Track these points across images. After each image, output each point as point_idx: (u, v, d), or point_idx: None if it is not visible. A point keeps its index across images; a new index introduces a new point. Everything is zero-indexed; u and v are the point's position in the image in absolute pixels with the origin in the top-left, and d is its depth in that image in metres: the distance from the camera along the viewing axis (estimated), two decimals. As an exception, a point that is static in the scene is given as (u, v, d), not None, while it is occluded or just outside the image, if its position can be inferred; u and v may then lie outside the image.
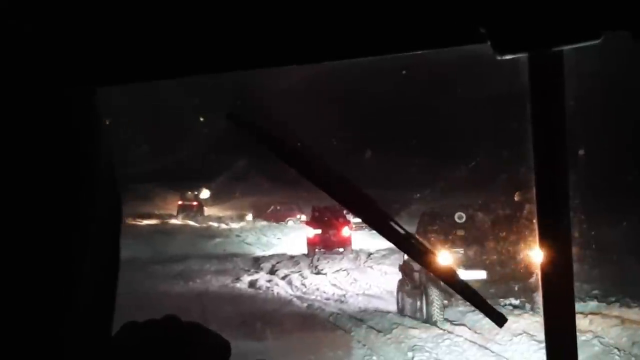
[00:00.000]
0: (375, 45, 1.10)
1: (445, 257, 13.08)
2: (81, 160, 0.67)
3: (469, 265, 14.30)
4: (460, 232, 15.25)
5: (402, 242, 1.32)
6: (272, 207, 45.21)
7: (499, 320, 1.39)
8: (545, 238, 1.24)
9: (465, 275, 13.06)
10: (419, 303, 14.56)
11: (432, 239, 14.76)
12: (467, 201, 17.82)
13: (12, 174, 0.61)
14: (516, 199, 15.30)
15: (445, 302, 13.67)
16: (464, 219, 15.43)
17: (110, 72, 0.98)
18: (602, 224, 16.64)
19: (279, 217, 42.49)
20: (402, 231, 1.32)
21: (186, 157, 63.38)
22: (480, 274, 14.14)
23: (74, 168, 0.66)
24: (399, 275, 20.91)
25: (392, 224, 1.34)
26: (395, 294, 16.54)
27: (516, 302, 14.13)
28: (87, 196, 0.67)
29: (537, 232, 1.25)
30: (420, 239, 1.44)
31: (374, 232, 1.39)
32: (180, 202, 49.06)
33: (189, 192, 50.68)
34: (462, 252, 14.77)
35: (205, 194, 52.80)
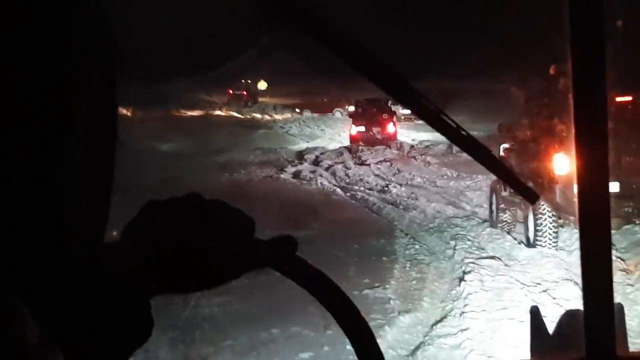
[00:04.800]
0: None
1: (566, 163, 10.63)
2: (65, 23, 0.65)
3: None
4: None
5: (452, 133, 1.27)
6: (318, 99, 44.97)
7: (531, 197, 1.39)
8: (581, 125, 1.22)
9: None
10: (521, 218, 11.73)
11: (548, 138, 11.65)
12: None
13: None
14: (551, 72, 11.92)
15: (560, 221, 10.73)
16: None
17: None
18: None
19: (325, 109, 42.32)
20: (451, 122, 1.27)
21: (206, 35, 62.72)
22: (612, 187, 10.71)
23: (58, 31, 0.64)
24: (444, 166, 20.74)
25: (436, 111, 1.31)
26: (487, 197, 13.29)
27: None
28: (70, 63, 0.65)
29: (572, 119, 1.22)
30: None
31: (420, 123, 1.33)
32: (230, 92, 48.53)
33: (242, 81, 50.16)
34: None
35: (262, 85, 52.70)
